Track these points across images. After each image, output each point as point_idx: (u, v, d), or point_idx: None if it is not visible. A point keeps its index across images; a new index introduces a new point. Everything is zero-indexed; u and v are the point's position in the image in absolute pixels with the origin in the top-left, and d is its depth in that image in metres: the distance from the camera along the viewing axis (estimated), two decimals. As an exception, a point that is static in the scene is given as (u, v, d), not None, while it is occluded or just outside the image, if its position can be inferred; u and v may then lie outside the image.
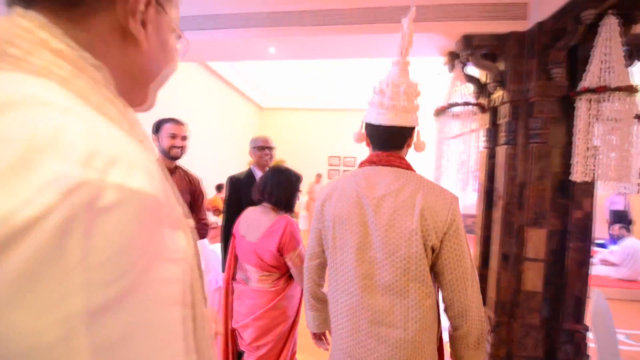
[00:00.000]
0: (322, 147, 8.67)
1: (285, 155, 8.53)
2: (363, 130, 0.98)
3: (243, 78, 6.92)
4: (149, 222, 0.24)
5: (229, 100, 6.71)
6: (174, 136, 1.59)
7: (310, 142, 8.70)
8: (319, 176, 7.96)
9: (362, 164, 0.97)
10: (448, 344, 0.97)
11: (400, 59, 0.95)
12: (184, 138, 1.63)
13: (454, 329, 0.92)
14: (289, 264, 1.34)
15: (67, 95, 0.28)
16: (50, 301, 0.20)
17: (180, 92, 4.67)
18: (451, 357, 0.96)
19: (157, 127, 1.62)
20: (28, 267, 0.19)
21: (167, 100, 4.26)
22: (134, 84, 0.38)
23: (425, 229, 0.82)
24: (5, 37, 0.29)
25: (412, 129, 0.94)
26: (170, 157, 1.59)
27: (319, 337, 1.15)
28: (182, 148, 1.62)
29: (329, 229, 0.94)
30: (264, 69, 6.85)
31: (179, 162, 1.66)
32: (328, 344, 1.14)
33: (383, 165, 0.91)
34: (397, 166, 0.91)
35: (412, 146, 0.98)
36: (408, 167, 0.93)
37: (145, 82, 0.39)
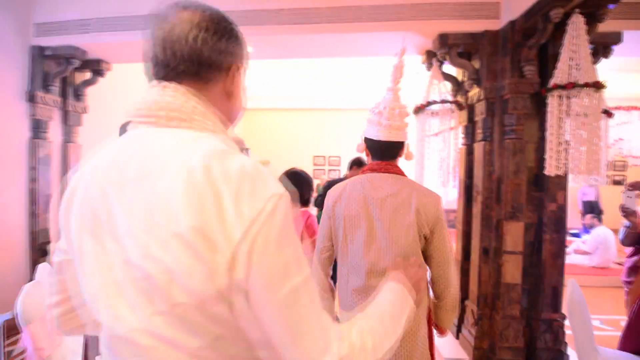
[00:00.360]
0: (306, 147, 8.63)
1: (270, 156, 8.44)
2: (363, 142, 1.20)
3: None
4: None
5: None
6: None
7: (295, 143, 8.65)
8: (302, 176, 7.94)
9: (364, 171, 1.18)
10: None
11: (393, 86, 1.17)
12: None
13: (437, 299, 1.16)
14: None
15: (222, 142, 0.47)
16: (287, 248, 0.44)
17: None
18: (430, 321, 1.18)
19: (124, 129, 1.53)
20: (275, 235, 0.42)
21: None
22: (228, 123, 0.55)
23: (419, 222, 1.06)
24: (187, 109, 0.48)
25: (403, 142, 1.17)
26: None
27: None
28: None
29: (340, 225, 1.13)
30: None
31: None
32: None
33: (383, 172, 1.13)
34: (394, 173, 1.13)
35: (403, 156, 1.21)
36: (402, 174, 1.15)
37: (233, 121, 0.58)
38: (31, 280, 1.84)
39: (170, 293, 0.41)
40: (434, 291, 1.15)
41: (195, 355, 0.43)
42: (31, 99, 2.69)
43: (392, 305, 0.61)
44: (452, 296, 1.12)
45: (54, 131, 2.88)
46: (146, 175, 0.44)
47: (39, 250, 2.73)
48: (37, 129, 2.73)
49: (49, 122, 2.81)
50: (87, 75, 3.10)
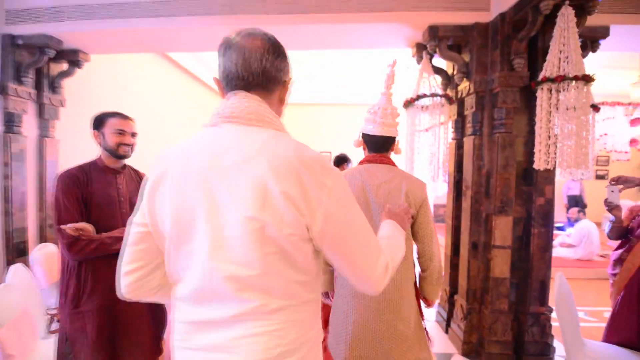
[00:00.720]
0: (306, 143, 8.54)
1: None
2: (360, 138, 1.40)
3: (211, 72, 6.63)
4: None
5: (197, 96, 6.39)
6: (122, 132, 1.40)
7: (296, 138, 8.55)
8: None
9: (361, 162, 1.37)
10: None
11: (386, 91, 1.38)
12: (133, 135, 1.45)
13: (422, 270, 1.33)
14: None
15: (290, 137, 0.67)
16: (349, 206, 0.65)
17: (138, 88, 4.36)
18: (418, 296, 1.34)
19: (100, 121, 1.43)
20: (342, 189, 0.64)
21: (123, 97, 3.95)
22: None
23: (409, 203, 1.24)
24: (262, 112, 0.66)
25: (394, 137, 1.37)
26: (118, 155, 1.41)
27: (326, 295, 1.47)
28: (132, 146, 1.44)
29: None
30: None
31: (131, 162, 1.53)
32: (331, 299, 1.43)
33: (378, 163, 1.32)
34: (387, 163, 1.32)
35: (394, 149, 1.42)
36: (394, 164, 1.34)
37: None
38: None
39: (277, 238, 0.60)
40: (420, 264, 1.34)
41: (285, 287, 0.63)
42: (2, 90, 2.54)
43: (392, 232, 0.85)
44: (436, 268, 1.31)
45: (29, 125, 2.74)
46: (245, 161, 0.61)
47: (15, 251, 2.60)
48: (10, 122, 2.59)
49: (22, 116, 2.66)
50: (64, 66, 2.95)
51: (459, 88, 2.51)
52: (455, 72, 2.50)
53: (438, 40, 2.36)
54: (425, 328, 1.33)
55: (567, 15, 1.80)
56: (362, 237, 0.66)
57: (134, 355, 1.37)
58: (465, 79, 2.41)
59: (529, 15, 1.96)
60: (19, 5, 2.56)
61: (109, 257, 1.32)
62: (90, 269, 1.32)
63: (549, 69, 1.84)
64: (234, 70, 0.65)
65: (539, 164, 1.93)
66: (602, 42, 2.27)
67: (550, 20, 1.91)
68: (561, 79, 1.77)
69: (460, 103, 2.52)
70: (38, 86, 2.78)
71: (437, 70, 2.63)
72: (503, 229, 2.22)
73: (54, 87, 2.89)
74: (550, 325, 2.23)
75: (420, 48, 2.61)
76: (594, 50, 2.28)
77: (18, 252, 2.62)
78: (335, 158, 3.10)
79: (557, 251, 4.75)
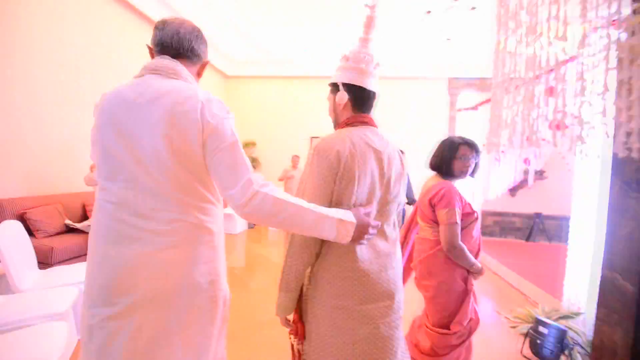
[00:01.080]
0: (302, 124, 7.21)
1: (256, 135, 7.26)
2: (343, 91, 1.10)
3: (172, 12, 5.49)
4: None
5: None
6: None
7: (288, 118, 7.30)
8: (295, 158, 5.96)
9: (354, 124, 1.10)
10: None
11: (365, 36, 1.14)
12: None
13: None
14: (438, 219, 1.67)
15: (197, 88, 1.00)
16: (227, 125, 0.95)
17: (115, 54, 3.43)
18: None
19: None
20: (225, 121, 0.95)
21: (102, 68, 3.00)
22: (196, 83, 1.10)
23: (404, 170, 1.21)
24: (178, 70, 1.00)
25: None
26: None
27: (288, 323, 1.17)
28: None
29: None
30: (227, 28, 5.50)
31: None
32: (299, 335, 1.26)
33: (372, 125, 1.12)
34: (374, 126, 1.14)
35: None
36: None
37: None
38: None
39: (183, 149, 0.92)
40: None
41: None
42: None
43: (328, 215, 0.93)
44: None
45: None
46: (160, 97, 0.91)
47: None
48: None
49: None
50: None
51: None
52: None
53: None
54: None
55: None
56: (235, 154, 0.92)
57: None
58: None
59: None
60: None
61: None
62: None
63: None
64: (169, 42, 0.99)
65: None
66: None
67: None
68: None
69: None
70: None
71: None
72: None
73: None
74: None
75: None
76: None
77: None
78: None
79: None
